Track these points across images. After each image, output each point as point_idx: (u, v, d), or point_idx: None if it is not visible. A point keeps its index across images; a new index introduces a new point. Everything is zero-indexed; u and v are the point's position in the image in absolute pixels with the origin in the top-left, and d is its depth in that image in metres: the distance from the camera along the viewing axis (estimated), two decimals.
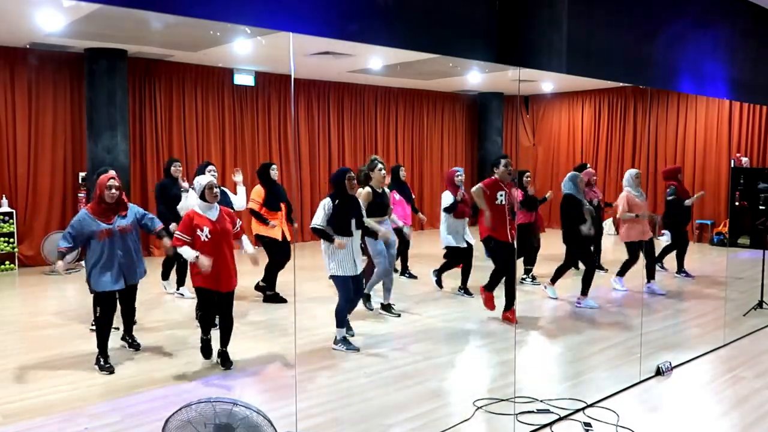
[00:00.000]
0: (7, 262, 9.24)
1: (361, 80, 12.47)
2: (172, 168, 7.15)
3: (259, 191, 7.26)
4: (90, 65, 9.38)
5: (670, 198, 8.35)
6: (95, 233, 4.90)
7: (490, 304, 6.50)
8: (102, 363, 5.02)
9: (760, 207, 11.07)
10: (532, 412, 4.23)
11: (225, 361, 5.10)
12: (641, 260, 7.48)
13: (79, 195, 9.69)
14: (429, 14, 3.60)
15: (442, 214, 7.57)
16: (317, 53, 9.34)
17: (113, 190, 5.00)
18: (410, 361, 5.29)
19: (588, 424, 4.05)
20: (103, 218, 4.96)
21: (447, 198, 7.54)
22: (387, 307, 6.79)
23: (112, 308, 5.13)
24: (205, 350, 5.18)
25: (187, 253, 4.82)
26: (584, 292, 7.16)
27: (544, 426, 4.04)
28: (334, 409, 4.30)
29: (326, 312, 6.84)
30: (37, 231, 9.53)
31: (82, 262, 9.41)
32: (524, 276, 8.39)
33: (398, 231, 7.74)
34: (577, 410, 4.26)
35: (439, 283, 7.90)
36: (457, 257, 7.65)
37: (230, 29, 7.84)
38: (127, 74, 9.73)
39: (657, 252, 8.44)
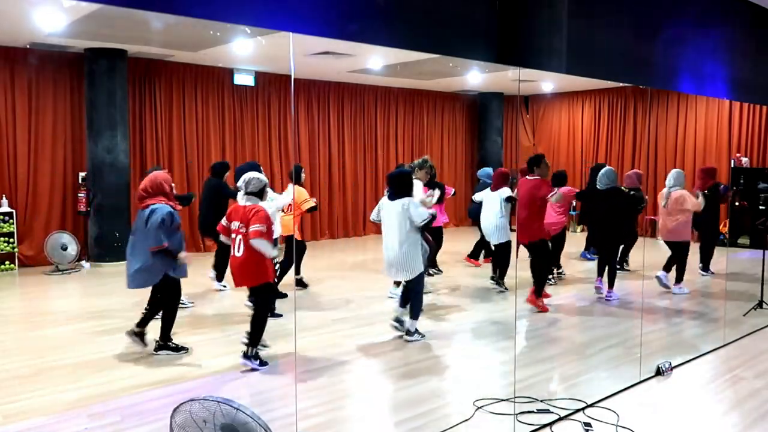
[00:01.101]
0: (7, 262, 9.24)
1: (361, 80, 12.47)
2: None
3: (304, 191, 7.48)
4: (90, 65, 9.38)
5: (727, 197, 8.41)
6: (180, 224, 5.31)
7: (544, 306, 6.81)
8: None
9: (760, 207, 11.07)
10: (532, 412, 4.23)
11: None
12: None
13: (79, 195, 9.69)
14: (429, 14, 3.60)
15: (504, 209, 7.61)
16: (317, 53, 9.34)
17: None
18: (410, 361, 5.29)
19: (588, 424, 4.05)
20: None
21: (507, 192, 7.61)
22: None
23: None
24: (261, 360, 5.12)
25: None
26: (610, 284, 7.32)
27: (544, 426, 4.04)
28: (334, 409, 4.30)
29: (326, 312, 6.85)
30: (37, 231, 9.53)
31: (82, 263, 9.48)
32: (554, 274, 8.47)
33: (438, 230, 7.95)
34: (577, 410, 4.26)
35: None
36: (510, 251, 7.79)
37: (230, 29, 7.84)
38: (127, 74, 9.73)
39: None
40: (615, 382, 4.78)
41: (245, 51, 9.54)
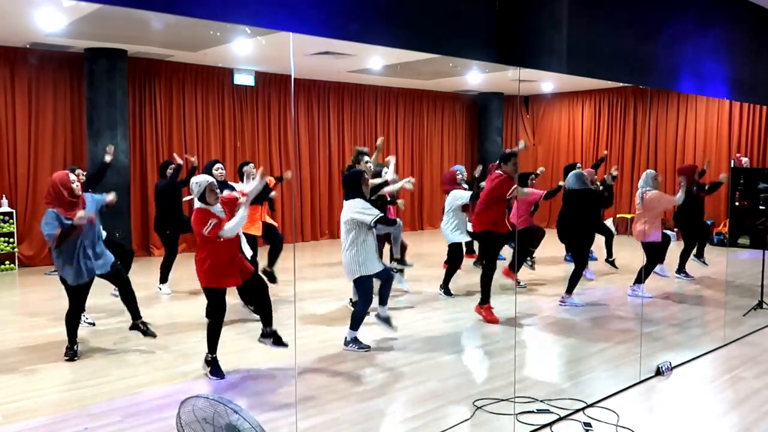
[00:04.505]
0: (7, 262, 9.24)
1: (361, 80, 12.48)
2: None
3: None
4: (90, 65, 9.38)
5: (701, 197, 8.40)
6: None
7: (493, 316, 6.51)
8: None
9: (760, 207, 11.08)
10: (532, 412, 4.23)
11: (277, 341, 5.03)
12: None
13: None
14: (429, 14, 3.60)
15: (452, 213, 7.55)
16: (317, 53, 9.34)
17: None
18: (410, 361, 5.29)
19: (588, 424, 4.05)
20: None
21: (462, 194, 7.51)
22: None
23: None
24: (216, 369, 4.90)
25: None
26: (569, 290, 7.17)
27: (544, 426, 4.04)
28: (334, 409, 4.30)
29: (326, 311, 6.85)
30: (37, 231, 9.43)
31: None
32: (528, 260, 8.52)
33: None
34: (577, 410, 4.26)
35: (448, 292, 7.72)
36: (460, 254, 7.70)
37: (230, 29, 7.84)
38: (127, 74, 9.74)
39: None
40: (615, 382, 4.78)
41: (245, 51, 9.54)
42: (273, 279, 7.42)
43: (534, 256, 8.78)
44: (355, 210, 5.35)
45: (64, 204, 5.05)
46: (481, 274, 6.65)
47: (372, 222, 5.32)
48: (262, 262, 7.25)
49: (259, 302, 5.07)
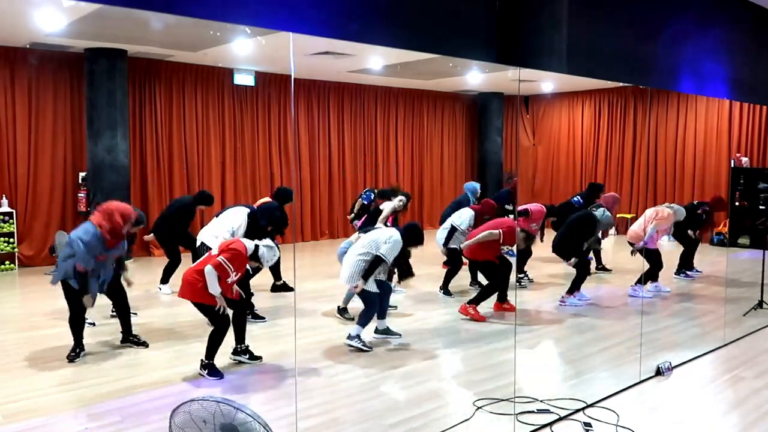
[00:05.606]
0: (7, 262, 9.24)
1: (361, 80, 12.47)
2: None
3: None
4: (90, 65, 9.38)
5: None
6: None
7: (481, 315, 6.62)
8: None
9: (760, 207, 11.07)
10: (532, 412, 4.23)
11: (252, 356, 5.25)
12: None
13: (79, 195, 9.69)
14: (429, 14, 3.60)
15: (459, 231, 7.61)
16: (317, 53, 9.34)
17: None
18: (410, 361, 5.29)
19: (588, 424, 4.05)
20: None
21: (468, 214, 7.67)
22: (342, 311, 6.73)
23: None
24: (213, 370, 4.93)
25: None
26: (570, 291, 7.24)
27: (544, 426, 4.04)
28: (334, 409, 4.30)
29: (326, 311, 6.85)
30: (37, 231, 9.53)
31: None
32: (521, 276, 8.49)
33: None
34: (577, 410, 4.26)
35: (448, 293, 7.75)
36: (459, 258, 7.73)
37: (230, 29, 7.84)
38: (127, 74, 9.73)
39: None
40: (615, 382, 4.78)
41: (245, 51, 9.54)
42: (288, 288, 7.72)
43: (531, 278, 8.63)
44: (391, 243, 5.60)
45: (115, 234, 5.16)
46: (486, 285, 6.79)
47: (389, 261, 5.61)
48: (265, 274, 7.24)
49: (237, 322, 5.17)
